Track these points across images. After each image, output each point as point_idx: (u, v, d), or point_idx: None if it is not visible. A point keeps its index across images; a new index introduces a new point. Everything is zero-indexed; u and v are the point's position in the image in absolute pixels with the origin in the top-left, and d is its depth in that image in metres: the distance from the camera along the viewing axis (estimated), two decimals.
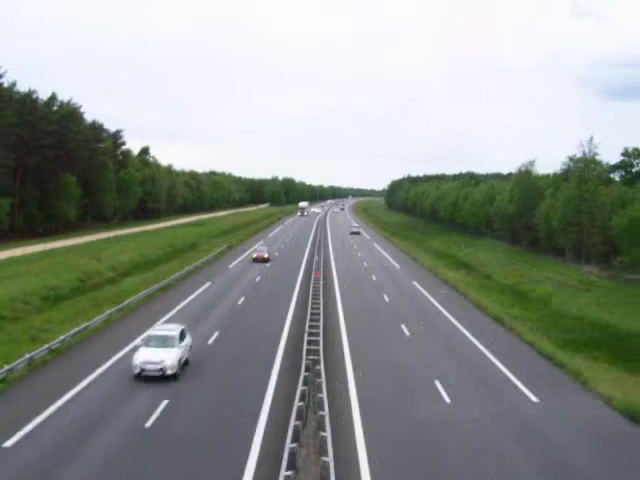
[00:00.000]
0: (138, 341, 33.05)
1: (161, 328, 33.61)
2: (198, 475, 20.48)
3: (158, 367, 29.41)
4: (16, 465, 20.64)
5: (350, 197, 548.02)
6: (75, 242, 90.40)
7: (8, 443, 22.15)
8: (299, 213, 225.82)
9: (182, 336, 32.00)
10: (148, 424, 24.40)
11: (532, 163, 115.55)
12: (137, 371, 29.50)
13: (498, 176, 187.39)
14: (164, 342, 30.66)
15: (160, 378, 29.34)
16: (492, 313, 49.68)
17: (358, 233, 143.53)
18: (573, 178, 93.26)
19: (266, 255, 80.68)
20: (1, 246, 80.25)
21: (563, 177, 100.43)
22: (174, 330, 31.95)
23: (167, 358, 29.70)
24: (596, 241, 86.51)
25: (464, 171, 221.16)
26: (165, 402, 26.77)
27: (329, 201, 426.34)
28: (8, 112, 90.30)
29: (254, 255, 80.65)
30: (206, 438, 23.38)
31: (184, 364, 31.48)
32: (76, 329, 37.16)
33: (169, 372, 29.57)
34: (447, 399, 29.02)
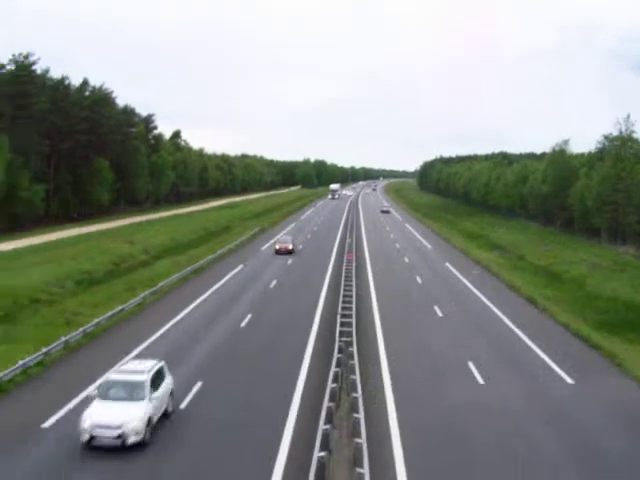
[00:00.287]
0: (91, 390, 24.59)
1: (126, 369, 23.53)
2: (233, 457, 20.58)
3: (115, 433, 20.52)
4: (53, 445, 20.96)
5: (381, 178, 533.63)
6: (108, 226, 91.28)
7: (46, 424, 22.52)
8: (330, 196, 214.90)
9: (157, 380, 22.94)
10: (182, 406, 24.58)
11: (566, 142, 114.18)
12: (86, 437, 20.54)
13: (531, 156, 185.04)
14: (129, 392, 21.86)
15: (119, 449, 20.60)
16: (525, 294, 49.25)
17: (388, 212, 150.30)
18: (609, 157, 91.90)
19: (290, 246, 71.05)
20: (36, 231, 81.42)
21: (598, 156, 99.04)
22: (145, 372, 22.57)
23: (130, 419, 20.75)
24: (632, 221, 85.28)
25: (497, 151, 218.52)
26: (199, 384, 26.96)
27: (361, 182, 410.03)
28: (41, 99, 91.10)
29: (276, 247, 71.08)
30: (240, 420, 23.51)
31: (162, 417, 22.89)
32: (110, 312, 37.53)
33: (131, 439, 20.58)
34: (481, 380, 28.85)
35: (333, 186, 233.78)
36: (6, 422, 22.85)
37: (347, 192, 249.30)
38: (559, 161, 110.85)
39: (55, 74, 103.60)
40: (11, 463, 19.69)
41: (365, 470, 17.68)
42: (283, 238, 75.29)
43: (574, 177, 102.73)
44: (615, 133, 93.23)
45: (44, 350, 29.14)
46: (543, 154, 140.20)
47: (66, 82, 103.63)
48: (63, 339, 31.12)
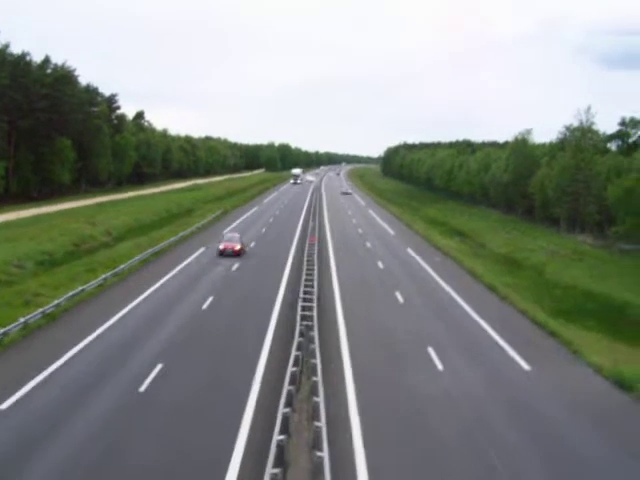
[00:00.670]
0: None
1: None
2: (192, 438, 20.62)
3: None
4: (10, 427, 20.81)
5: (344, 164, 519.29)
6: (69, 206, 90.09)
7: (3, 405, 22.31)
8: (292, 181, 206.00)
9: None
10: (142, 389, 24.54)
11: (529, 132, 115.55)
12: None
13: (494, 144, 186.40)
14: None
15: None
16: (486, 281, 49.82)
17: (349, 193, 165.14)
18: (569, 147, 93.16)
19: (237, 247, 56.28)
20: None
21: (559, 146, 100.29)
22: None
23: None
24: (591, 210, 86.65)
25: (460, 139, 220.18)
26: (160, 366, 26.89)
27: (322, 167, 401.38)
28: (1, 74, 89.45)
29: (220, 247, 56.10)
30: (200, 402, 23.55)
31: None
32: (71, 293, 37.17)
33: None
34: (440, 366, 29.21)
35: (295, 171, 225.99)
36: None
37: (310, 178, 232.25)
38: (521, 150, 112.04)
39: (16, 50, 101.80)
40: None
41: (324, 453, 17.84)
42: (229, 235, 60.63)
43: (535, 166, 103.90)
44: (576, 124, 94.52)
45: (1, 331, 28.78)
46: (506, 143, 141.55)
47: (27, 58, 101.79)
48: (22, 320, 30.77)
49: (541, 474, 19.65)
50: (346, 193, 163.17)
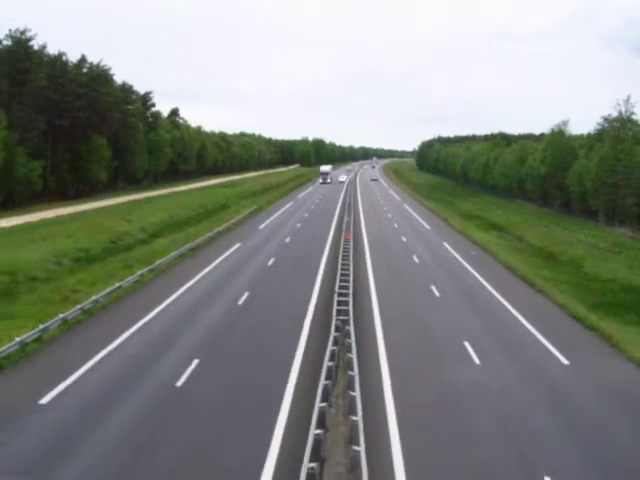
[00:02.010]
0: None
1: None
2: (229, 435, 20.66)
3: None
4: (50, 421, 21.07)
5: (375, 158, 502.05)
6: (106, 204, 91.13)
7: (44, 400, 22.59)
8: (320, 180, 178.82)
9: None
10: (179, 383, 24.68)
11: (565, 123, 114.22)
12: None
13: (530, 137, 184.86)
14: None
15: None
16: (523, 275, 49.27)
17: (376, 180, 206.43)
18: (608, 138, 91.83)
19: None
20: (33, 208, 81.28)
21: (597, 137, 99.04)
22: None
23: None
24: (630, 202, 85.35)
25: (496, 132, 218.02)
26: (196, 361, 27.02)
27: (353, 164, 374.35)
28: (39, 75, 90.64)
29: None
30: (235, 401, 23.61)
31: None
32: (108, 289, 37.55)
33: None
34: (477, 360, 28.94)
35: (324, 168, 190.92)
36: (3, 397, 22.98)
37: (342, 177, 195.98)
38: (558, 142, 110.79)
39: (52, 50, 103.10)
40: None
41: (361, 447, 17.75)
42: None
43: (573, 158, 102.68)
44: (614, 114, 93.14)
45: (41, 327, 29.16)
46: (542, 135, 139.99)
47: (63, 58, 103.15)
48: (61, 316, 31.15)
49: (578, 466, 19.35)
50: (374, 180, 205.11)
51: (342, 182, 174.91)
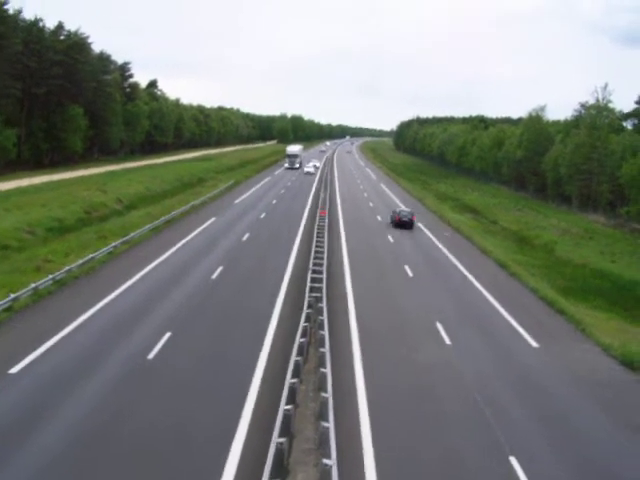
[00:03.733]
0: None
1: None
2: (199, 405, 20.76)
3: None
4: (21, 390, 21.01)
5: (348, 137, 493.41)
6: (81, 174, 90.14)
7: (13, 370, 22.49)
8: (287, 164, 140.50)
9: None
10: (150, 356, 24.67)
11: (543, 108, 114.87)
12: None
13: (508, 120, 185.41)
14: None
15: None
16: (496, 258, 49.72)
17: (350, 152, 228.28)
18: (584, 125, 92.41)
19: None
20: (7, 177, 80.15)
21: (574, 124, 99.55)
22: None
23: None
24: (604, 189, 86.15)
25: (474, 114, 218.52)
26: (168, 334, 27.02)
27: (327, 143, 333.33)
28: (14, 40, 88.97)
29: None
30: (206, 374, 23.68)
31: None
32: (81, 260, 37.31)
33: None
34: (447, 340, 29.25)
35: (292, 148, 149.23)
36: None
37: (312, 164, 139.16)
38: (535, 126, 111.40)
39: (28, 15, 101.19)
40: None
41: (330, 424, 17.92)
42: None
43: (549, 143, 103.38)
44: (592, 102, 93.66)
45: (12, 296, 28.94)
46: (520, 119, 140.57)
47: (40, 24, 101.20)
48: (33, 285, 30.93)
49: (541, 446, 19.70)
50: (348, 152, 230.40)
51: (310, 173, 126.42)
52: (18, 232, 44.53)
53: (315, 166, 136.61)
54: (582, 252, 55.56)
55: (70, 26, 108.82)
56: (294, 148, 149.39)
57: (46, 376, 22.18)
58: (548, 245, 58.46)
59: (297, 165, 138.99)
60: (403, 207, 74.61)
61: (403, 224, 62.60)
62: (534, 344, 29.74)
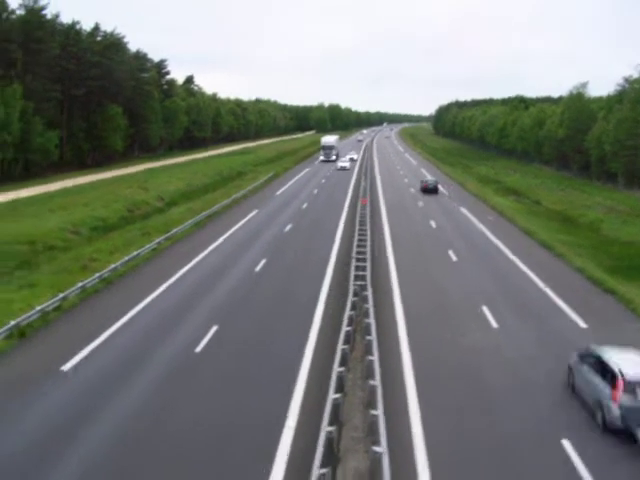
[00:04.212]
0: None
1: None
2: (245, 401, 20.86)
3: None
4: (72, 387, 21.35)
5: (385, 124, 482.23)
6: (122, 172, 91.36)
7: (66, 367, 22.86)
8: (322, 156, 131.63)
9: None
10: (198, 350, 24.87)
11: (584, 85, 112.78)
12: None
13: (548, 100, 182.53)
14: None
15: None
16: (540, 239, 49.04)
17: (388, 137, 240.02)
18: (628, 99, 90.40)
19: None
20: (51, 178, 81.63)
21: (617, 99, 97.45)
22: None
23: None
24: None
25: (513, 95, 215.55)
26: (215, 328, 27.20)
27: (364, 131, 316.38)
28: (52, 44, 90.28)
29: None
30: (253, 367, 23.78)
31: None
32: (126, 258, 37.77)
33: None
34: (494, 324, 28.94)
35: (327, 139, 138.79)
36: (26, 365, 23.27)
37: (349, 157, 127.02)
38: (576, 104, 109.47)
39: (66, 19, 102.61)
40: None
41: (379, 412, 17.85)
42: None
43: (592, 121, 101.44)
44: (635, 75, 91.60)
45: (61, 295, 29.43)
46: (560, 98, 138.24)
47: (77, 27, 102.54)
48: (80, 284, 31.41)
49: (597, 432, 19.38)
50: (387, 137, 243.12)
51: (344, 168, 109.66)
52: (63, 232, 45.30)
53: (352, 159, 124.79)
54: (629, 230, 54.46)
55: (106, 27, 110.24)
56: (329, 139, 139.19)
57: (96, 372, 22.50)
58: (594, 224, 57.48)
59: (333, 157, 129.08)
60: (429, 177, 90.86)
61: (429, 190, 78.14)
62: (583, 325, 29.27)
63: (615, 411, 18.54)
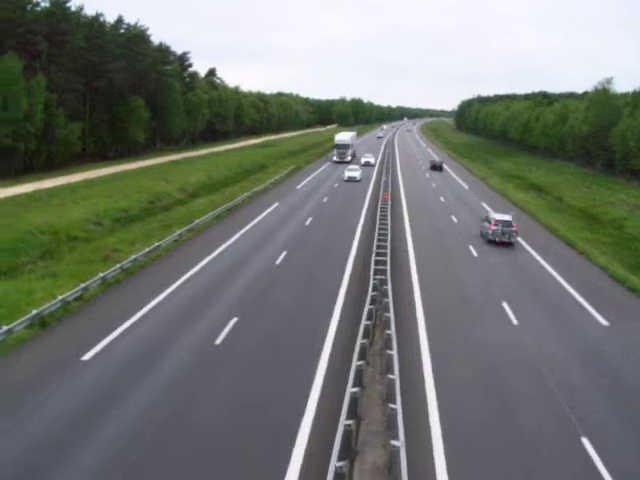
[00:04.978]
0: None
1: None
2: (266, 389, 20.89)
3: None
4: (93, 376, 21.53)
5: (405, 119, 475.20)
6: (144, 164, 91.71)
7: (86, 356, 23.03)
8: (335, 156, 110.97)
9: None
10: (218, 341, 24.94)
11: (609, 81, 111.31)
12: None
13: (572, 95, 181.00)
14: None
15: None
16: (563, 236, 48.70)
17: (410, 130, 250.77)
18: None
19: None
20: (73, 169, 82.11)
21: None
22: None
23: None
24: None
25: (536, 90, 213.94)
26: (235, 319, 27.26)
27: (384, 127, 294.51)
28: (76, 36, 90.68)
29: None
30: (274, 358, 23.81)
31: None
32: (147, 249, 37.93)
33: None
34: (515, 321, 28.78)
35: (341, 137, 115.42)
36: (47, 354, 23.45)
37: (364, 159, 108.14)
38: (601, 100, 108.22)
39: (90, 11, 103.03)
40: None
41: (397, 405, 17.81)
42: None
43: (617, 117, 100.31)
44: None
45: (82, 286, 29.61)
46: (585, 94, 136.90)
47: (101, 19, 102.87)
48: (101, 275, 31.59)
49: (614, 428, 19.23)
50: (409, 130, 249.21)
51: (353, 179, 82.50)
52: (86, 223, 45.57)
53: (368, 163, 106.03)
54: None
55: (129, 19, 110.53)
56: (344, 136, 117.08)
57: (116, 363, 22.63)
58: (617, 221, 56.96)
59: (348, 158, 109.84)
60: (436, 157, 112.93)
61: (435, 168, 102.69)
62: (604, 322, 29.04)
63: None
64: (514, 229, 45.13)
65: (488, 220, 46.65)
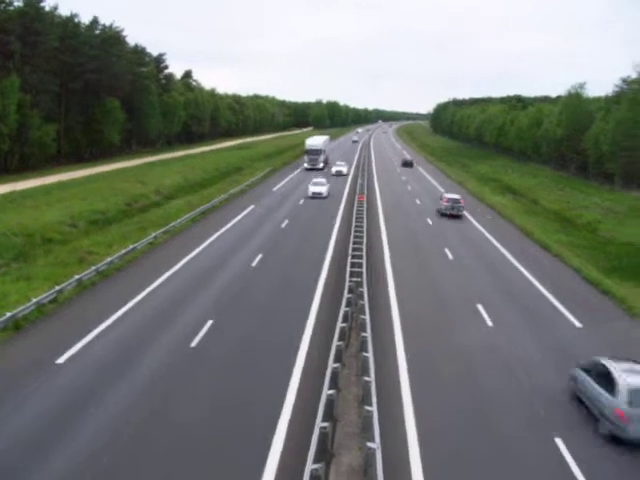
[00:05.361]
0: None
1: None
2: (241, 392, 20.87)
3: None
4: (67, 380, 21.37)
5: (379, 121, 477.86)
6: (120, 166, 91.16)
7: (61, 360, 22.88)
8: (306, 163, 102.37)
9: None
10: (193, 344, 24.88)
11: (582, 85, 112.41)
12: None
13: (546, 99, 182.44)
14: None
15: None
16: (538, 238, 49.10)
17: (386, 132, 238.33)
18: (626, 100, 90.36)
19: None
20: (48, 171, 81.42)
21: (615, 100, 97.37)
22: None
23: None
24: None
25: (511, 94, 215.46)
26: (210, 322, 27.20)
27: (359, 130, 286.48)
28: (50, 36, 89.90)
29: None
30: (249, 360, 23.79)
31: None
32: (123, 251, 37.74)
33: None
34: (489, 322, 28.99)
35: (312, 141, 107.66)
36: (21, 357, 23.24)
37: (335, 169, 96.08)
38: (574, 104, 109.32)
39: (64, 11, 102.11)
40: None
41: (373, 407, 17.88)
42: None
43: (589, 121, 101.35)
44: (634, 76, 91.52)
45: (57, 288, 29.39)
46: (559, 98, 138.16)
47: (75, 20, 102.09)
48: (76, 277, 31.37)
49: (586, 421, 19.44)
50: (385, 132, 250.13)
51: (318, 195, 69.14)
52: (61, 225, 45.21)
53: (340, 172, 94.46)
54: (627, 230, 54.51)
55: (105, 20, 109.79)
56: (316, 141, 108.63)
57: (91, 366, 22.51)
58: (591, 224, 57.53)
59: (321, 165, 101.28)
60: (406, 155, 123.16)
61: (406, 164, 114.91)
62: (577, 324, 29.35)
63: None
64: (461, 204, 59.05)
65: (442, 198, 61.18)
